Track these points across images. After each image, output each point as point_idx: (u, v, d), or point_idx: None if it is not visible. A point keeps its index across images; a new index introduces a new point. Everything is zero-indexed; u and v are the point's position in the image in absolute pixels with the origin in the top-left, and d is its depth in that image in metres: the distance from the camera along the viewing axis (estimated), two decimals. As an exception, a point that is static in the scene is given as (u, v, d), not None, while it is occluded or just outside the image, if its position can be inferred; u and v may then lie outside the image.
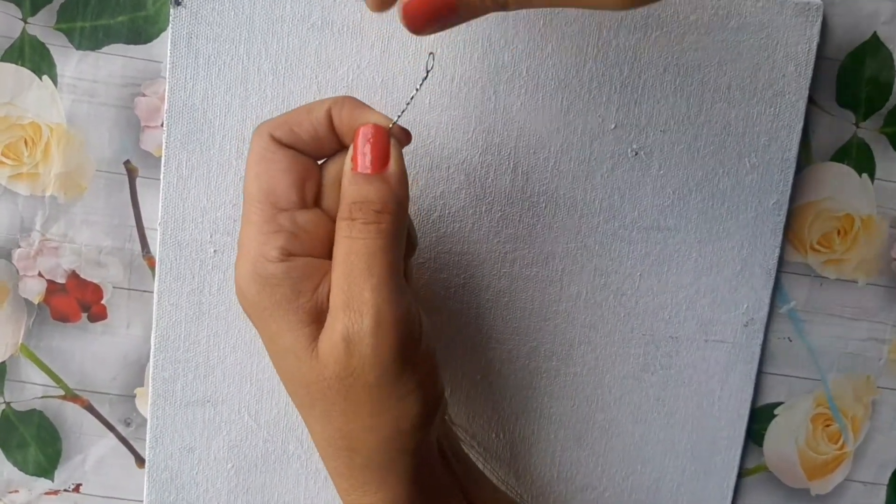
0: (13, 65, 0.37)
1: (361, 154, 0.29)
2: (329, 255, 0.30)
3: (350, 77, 0.37)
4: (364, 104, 0.30)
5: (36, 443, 0.40)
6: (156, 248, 0.39)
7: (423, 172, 0.38)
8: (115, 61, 0.37)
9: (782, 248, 0.41)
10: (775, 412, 0.43)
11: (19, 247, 0.39)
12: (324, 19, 0.37)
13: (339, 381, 0.29)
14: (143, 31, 0.37)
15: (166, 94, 0.37)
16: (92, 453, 0.41)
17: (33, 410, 0.40)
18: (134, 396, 0.40)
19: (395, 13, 0.28)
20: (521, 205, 0.39)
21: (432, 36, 0.35)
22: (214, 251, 0.38)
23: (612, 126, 0.39)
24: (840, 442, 0.43)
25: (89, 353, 0.40)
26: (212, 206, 0.38)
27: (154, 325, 0.38)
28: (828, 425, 0.43)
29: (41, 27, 0.37)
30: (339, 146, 0.31)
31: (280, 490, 0.40)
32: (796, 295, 0.42)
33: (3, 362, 0.40)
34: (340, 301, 0.28)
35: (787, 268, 0.41)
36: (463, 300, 0.40)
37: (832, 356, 0.42)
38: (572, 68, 0.38)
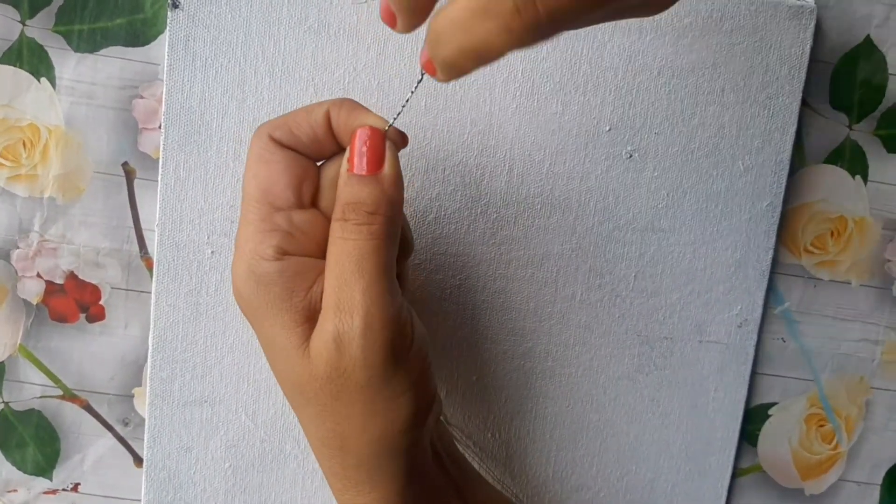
0: (11, 67, 0.37)
1: (357, 156, 0.29)
2: (325, 256, 0.30)
3: (346, 79, 0.37)
4: (362, 106, 0.30)
5: (34, 442, 0.41)
6: (153, 249, 0.39)
7: (418, 174, 0.38)
8: (112, 63, 0.38)
9: (776, 250, 0.41)
10: (769, 412, 0.43)
11: (18, 248, 0.39)
12: (320, 22, 0.37)
13: (330, 382, 0.29)
14: (140, 33, 0.38)
15: (164, 96, 0.37)
16: (90, 453, 0.41)
17: (32, 410, 0.40)
18: (132, 396, 0.41)
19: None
20: (517, 206, 0.39)
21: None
22: (212, 252, 0.38)
23: (607, 128, 0.39)
24: (834, 442, 0.44)
25: (87, 353, 0.40)
26: (209, 207, 0.38)
27: (152, 326, 0.39)
28: (821, 425, 0.43)
29: (39, 29, 0.37)
30: (337, 148, 0.31)
31: (277, 489, 0.40)
32: (790, 296, 0.42)
33: (2, 362, 0.40)
34: (331, 302, 0.29)
35: (781, 269, 0.42)
36: (458, 301, 0.40)
37: (826, 357, 0.43)
38: (567, 71, 0.38)
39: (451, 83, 0.37)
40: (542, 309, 0.40)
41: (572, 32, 0.38)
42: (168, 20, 0.36)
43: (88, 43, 0.37)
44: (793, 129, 0.40)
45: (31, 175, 0.38)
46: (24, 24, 0.37)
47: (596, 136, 0.39)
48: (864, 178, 0.41)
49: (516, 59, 0.38)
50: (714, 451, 0.42)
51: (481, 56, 0.24)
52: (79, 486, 0.41)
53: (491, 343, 0.40)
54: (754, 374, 0.42)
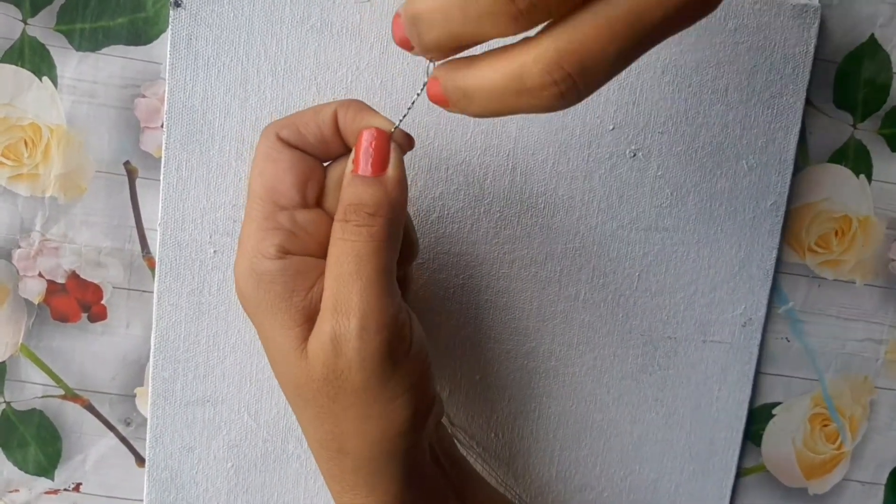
0: (13, 66, 0.37)
1: (363, 157, 0.29)
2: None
3: (349, 79, 0.37)
4: (369, 107, 0.30)
5: (36, 442, 0.40)
6: (155, 248, 0.39)
7: (421, 173, 0.38)
8: (114, 62, 0.38)
9: (780, 249, 0.41)
10: (773, 412, 0.43)
11: (19, 247, 0.39)
12: (323, 21, 0.37)
13: (328, 384, 0.29)
14: (142, 32, 0.37)
15: (166, 95, 0.37)
16: (92, 453, 0.41)
17: (33, 410, 0.40)
18: (134, 396, 0.40)
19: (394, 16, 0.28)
20: (520, 206, 0.39)
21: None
22: (214, 251, 0.38)
23: (611, 127, 0.39)
24: (838, 442, 0.43)
25: (89, 352, 0.40)
26: (211, 206, 0.38)
27: (154, 325, 0.39)
28: (825, 425, 0.43)
29: (41, 28, 0.37)
30: (344, 149, 0.31)
31: (279, 489, 0.40)
32: (794, 296, 0.42)
33: (4, 362, 0.40)
34: (329, 303, 0.29)
35: (785, 268, 0.42)
36: (462, 300, 0.40)
37: (830, 356, 0.43)
38: (571, 70, 0.38)
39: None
40: (545, 308, 0.40)
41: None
42: (170, 19, 0.36)
43: (90, 42, 0.37)
44: (797, 128, 0.40)
45: (33, 174, 0.38)
46: (25, 23, 0.37)
47: (599, 135, 0.39)
48: (869, 178, 0.41)
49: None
50: (718, 451, 0.42)
51: (505, 115, 0.25)
52: (80, 486, 0.41)
53: (494, 342, 0.40)
54: (758, 373, 0.42)
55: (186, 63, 0.37)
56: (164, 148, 0.37)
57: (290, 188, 0.30)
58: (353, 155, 0.30)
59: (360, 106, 0.30)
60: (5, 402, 0.40)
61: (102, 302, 0.39)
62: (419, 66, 0.37)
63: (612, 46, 0.22)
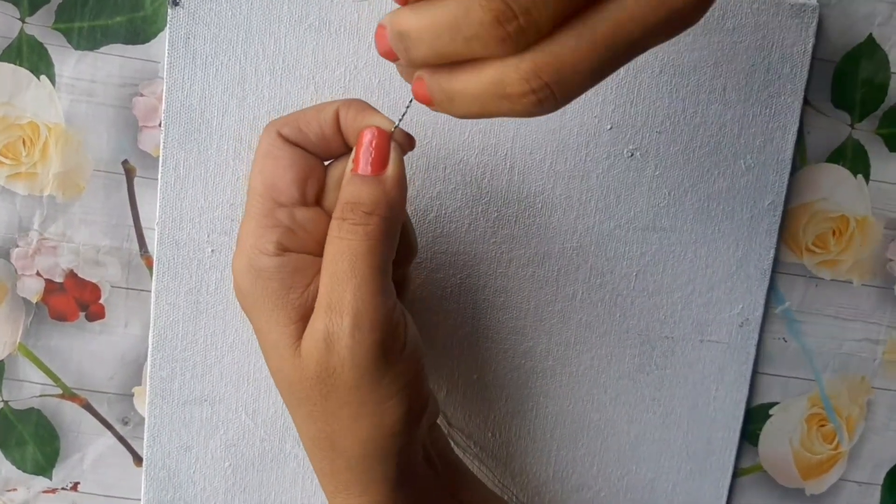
0: (11, 65, 0.37)
1: (363, 156, 0.29)
2: None
3: (347, 78, 0.37)
4: (371, 107, 0.30)
5: (34, 441, 0.40)
6: (153, 247, 0.39)
7: (419, 173, 0.38)
8: (112, 61, 0.38)
9: (777, 249, 0.41)
10: (770, 412, 0.43)
11: (17, 246, 0.39)
12: (321, 20, 0.37)
13: (320, 382, 0.29)
14: (140, 31, 0.38)
15: (164, 94, 0.37)
16: (90, 452, 0.41)
17: (31, 409, 0.40)
18: (132, 395, 0.40)
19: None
20: (518, 205, 0.39)
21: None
22: (212, 251, 0.38)
23: (608, 127, 0.39)
24: (835, 442, 0.43)
25: (87, 352, 0.40)
26: (209, 205, 0.38)
27: (152, 325, 0.39)
28: (822, 425, 0.43)
29: (39, 27, 0.37)
30: (345, 148, 0.31)
31: (277, 489, 0.40)
32: (791, 295, 0.42)
33: (2, 361, 0.40)
34: (324, 300, 0.29)
35: (782, 268, 0.42)
36: (459, 300, 0.40)
37: (827, 356, 0.43)
38: (568, 69, 0.38)
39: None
40: (542, 308, 0.40)
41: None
42: (168, 18, 0.36)
43: (88, 40, 0.37)
44: (794, 127, 0.40)
45: (31, 173, 0.38)
46: (23, 22, 0.37)
47: (597, 135, 0.39)
48: (866, 178, 0.41)
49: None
50: (715, 451, 0.42)
51: (487, 118, 0.25)
52: (78, 485, 0.41)
53: (491, 342, 0.40)
54: (755, 373, 0.42)
55: (184, 62, 0.37)
56: (162, 147, 0.37)
57: (290, 185, 0.30)
58: (353, 154, 0.30)
59: (362, 105, 0.30)
60: (3, 401, 0.40)
61: (100, 301, 0.39)
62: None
63: (589, 61, 0.23)
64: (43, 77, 0.37)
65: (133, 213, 0.39)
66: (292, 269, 0.29)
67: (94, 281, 0.39)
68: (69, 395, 0.40)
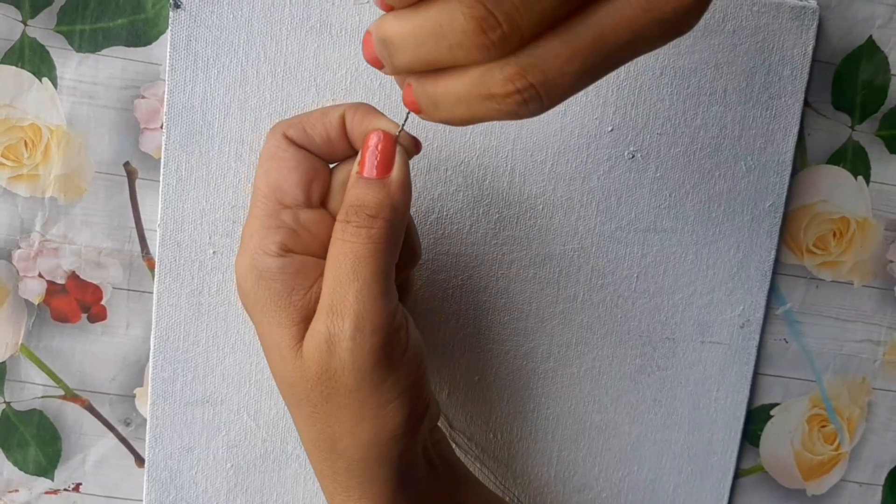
0: (13, 67, 0.37)
1: (368, 159, 0.30)
2: None
3: (348, 80, 0.37)
4: (377, 111, 0.30)
5: (36, 442, 0.41)
6: (155, 249, 0.39)
7: (421, 174, 0.38)
8: (114, 64, 0.38)
9: (778, 251, 0.41)
10: (771, 413, 0.43)
11: (19, 248, 0.39)
12: (322, 22, 0.37)
13: (321, 383, 0.29)
14: (142, 33, 0.38)
15: (165, 96, 0.37)
16: (92, 453, 0.41)
17: (33, 410, 0.40)
18: (133, 396, 0.41)
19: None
20: (519, 207, 0.39)
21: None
22: (213, 252, 0.38)
23: (609, 129, 0.39)
24: (836, 443, 0.44)
25: (89, 353, 0.40)
26: (211, 207, 0.38)
27: (153, 326, 0.39)
28: (823, 426, 0.43)
29: (41, 29, 0.37)
30: (350, 151, 0.31)
31: (279, 490, 0.40)
32: (792, 297, 0.42)
33: (4, 362, 0.40)
34: (326, 302, 0.29)
35: (783, 270, 0.42)
36: (461, 301, 0.40)
37: (828, 357, 0.43)
38: (569, 71, 0.38)
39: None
40: (544, 309, 0.40)
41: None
42: (170, 20, 0.36)
43: (90, 43, 0.37)
44: (795, 129, 0.40)
45: (33, 175, 0.38)
46: (25, 24, 0.37)
47: (598, 137, 0.39)
48: (867, 179, 0.41)
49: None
50: (716, 452, 0.42)
51: (478, 122, 0.25)
52: (80, 487, 0.41)
53: (493, 343, 0.40)
54: (756, 374, 0.42)
55: (186, 64, 0.37)
56: (163, 149, 0.37)
57: (295, 187, 0.30)
58: (359, 156, 0.30)
59: (369, 109, 0.30)
60: (5, 402, 0.40)
61: (102, 302, 0.40)
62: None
63: (575, 65, 0.23)
64: (45, 79, 0.38)
65: (135, 214, 0.39)
66: (295, 270, 0.29)
67: (95, 282, 0.39)
68: (71, 396, 0.40)
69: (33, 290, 0.39)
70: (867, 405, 0.43)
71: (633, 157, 0.39)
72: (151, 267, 0.39)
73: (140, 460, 0.41)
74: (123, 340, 0.40)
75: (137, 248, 0.39)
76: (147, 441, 0.40)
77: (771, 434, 0.43)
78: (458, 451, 0.38)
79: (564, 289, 0.40)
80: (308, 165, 0.30)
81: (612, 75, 0.38)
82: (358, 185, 0.29)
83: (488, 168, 0.39)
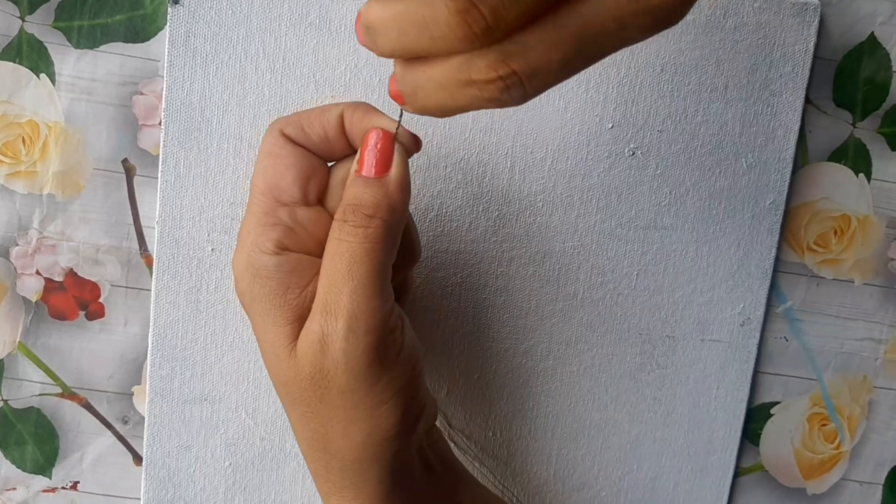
0: (11, 63, 0.37)
1: (367, 157, 0.29)
2: None
3: (347, 76, 0.37)
4: (377, 110, 0.30)
5: (33, 440, 0.40)
6: (153, 246, 0.39)
7: (420, 171, 0.38)
8: (112, 60, 0.38)
9: (779, 248, 0.41)
10: (772, 411, 0.43)
11: (17, 245, 0.39)
12: (321, 18, 0.37)
13: (314, 383, 0.29)
14: (140, 29, 0.37)
15: (164, 92, 0.37)
16: (89, 451, 0.41)
17: (31, 408, 0.40)
18: (131, 394, 0.40)
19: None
20: (519, 204, 0.39)
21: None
22: (212, 249, 0.38)
23: (609, 125, 0.39)
24: (836, 441, 0.43)
25: (87, 351, 0.40)
26: (209, 204, 0.38)
27: (151, 324, 0.39)
28: (824, 425, 0.43)
29: (39, 25, 0.37)
30: (348, 150, 0.31)
31: (277, 488, 0.40)
32: (793, 295, 0.42)
33: (1, 360, 0.40)
34: (320, 302, 0.29)
35: (784, 267, 0.42)
36: (460, 299, 0.40)
37: (828, 356, 0.43)
38: (569, 68, 0.38)
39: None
40: (543, 307, 0.40)
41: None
42: (168, 16, 0.36)
43: (88, 39, 0.37)
44: (796, 126, 0.40)
45: (31, 172, 0.38)
46: (23, 20, 0.37)
47: (598, 134, 0.39)
48: (868, 177, 0.41)
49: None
50: (716, 450, 0.42)
51: (460, 112, 0.25)
52: (78, 485, 0.41)
53: (492, 341, 0.40)
54: (756, 372, 0.42)
55: (184, 60, 0.37)
56: (161, 145, 0.37)
57: (292, 185, 0.30)
58: (358, 154, 0.30)
59: (368, 108, 0.30)
60: (3, 400, 0.40)
61: (100, 300, 0.39)
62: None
63: (558, 54, 0.23)
64: (43, 75, 0.37)
65: (133, 211, 0.39)
66: (291, 268, 0.29)
67: (93, 280, 0.39)
68: (69, 394, 0.40)
69: (31, 288, 0.39)
70: (868, 404, 0.43)
71: (633, 154, 0.39)
72: (149, 264, 0.39)
73: (138, 458, 0.41)
74: (121, 338, 0.40)
75: (135, 245, 0.39)
76: (145, 439, 0.40)
77: (771, 432, 0.43)
78: (456, 450, 0.37)
79: (564, 286, 0.40)
80: (305, 163, 0.30)
81: (612, 72, 0.38)
82: (356, 184, 0.29)
83: (488, 165, 0.39)
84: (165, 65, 0.37)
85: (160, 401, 0.39)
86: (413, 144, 0.30)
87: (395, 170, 0.29)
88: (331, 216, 0.30)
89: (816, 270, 0.42)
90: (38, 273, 0.39)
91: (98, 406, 0.40)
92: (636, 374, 0.41)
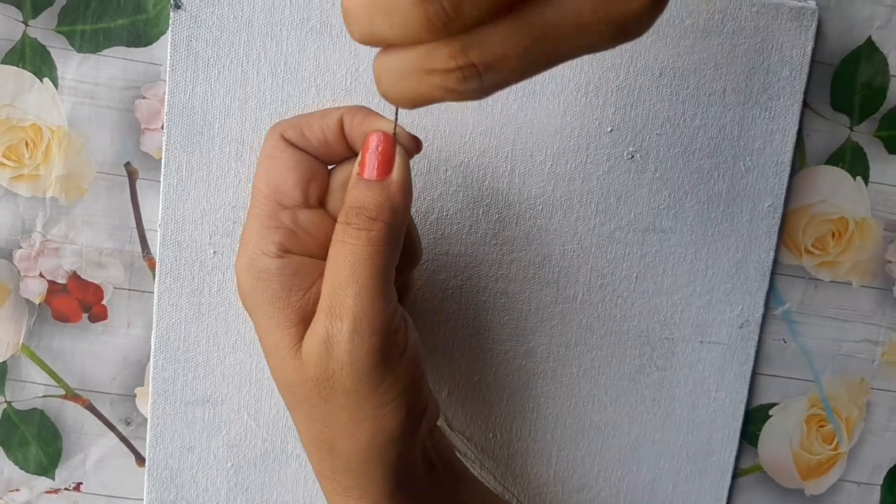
0: (14, 67, 0.37)
1: (369, 160, 0.30)
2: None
3: (348, 80, 0.38)
4: (377, 113, 0.30)
5: (37, 442, 0.41)
6: (156, 249, 0.39)
7: (421, 175, 0.39)
8: (115, 64, 0.38)
9: (777, 251, 0.41)
10: (770, 413, 0.43)
11: (20, 248, 0.39)
12: (322, 23, 0.37)
13: (319, 384, 0.29)
14: (143, 34, 0.38)
15: (166, 96, 0.37)
16: (92, 452, 0.41)
17: (34, 410, 0.40)
18: (134, 396, 0.41)
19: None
20: (518, 207, 0.39)
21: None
22: (214, 252, 0.38)
23: (609, 129, 0.39)
24: (834, 443, 0.44)
25: (90, 352, 0.40)
26: (211, 207, 0.38)
27: (154, 326, 0.39)
28: (822, 426, 0.43)
29: (42, 30, 0.37)
30: (347, 153, 0.31)
31: (279, 489, 0.41)
32: (791, 297, 0.42)
33: (5, 362, 0.40)
34: (325, 304, 0.29)
35: (782, 270, 0.42)
36: (460, 301, 0.40)
37: (826, 358, 0.43)
38: (569, 72, 0.38)
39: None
40: (543, 309, 0.40)
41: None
42: (170, 21, 0.37)
43: (91, 43, 0.38)
44: (794, 130, 0.40)
45: (34, 175, 0.38)
46: (26, 25, 0.37)
47: (597, 137, 0.39)
48: (865, 180, 0.41)
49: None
50: (715, 452, 0.42)
51: (427, 103, 0.25)
52: (81, 486, 0.41)
53: (492, 343, 0.40)
54: (755, 374, 0.42)
55: (187, 65, 0.37)
56: (164, 149, 0.37)
57: (293, 187, 0.30)
58: (359, 157, 0.30)
59: (368, 111, 0.30)
60: (6, 401, 0.40)
61: (103, 302, 0.40)
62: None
63: (517, 52, 0.23)
64: (46, 79, 0.38)
65: (135, 214, 0.39)
66: (293, 271, 0.29)
67: (96, 282, 0.39)
68: (72, 395, 0.40)
69: (34, 290, 0.39)
70: (866, 405, 0.43)
71: (632, 157, 0.39)
72: (152, 267, 0.39)
73: (141, 460, 0.41)
74: (124, 340, 0.40)
75: (138, 248, 0.39)
76: (148, 440, 0.40)
77: (769, 434, 0.43)
78: (456, 452, 0.38)
79: (564, 289, 0.40)
80: (306, 166, 0.30)
81: (611, 76, 0.38)
82: (358, 187, 0.29)
83: (488, 168, 0.39)
84: (168, 69, 0.37)
85: (163, 402, 0.39)
86: (413, 145, 0.30)
87: (396, 172, 0.29)
88: (332, 218, 0.31)
89: (814, 273, 0.42)
90: (41, 275, 0.39)
91: (101, 407, 0.41)
92: (635, 375, 0.41)
